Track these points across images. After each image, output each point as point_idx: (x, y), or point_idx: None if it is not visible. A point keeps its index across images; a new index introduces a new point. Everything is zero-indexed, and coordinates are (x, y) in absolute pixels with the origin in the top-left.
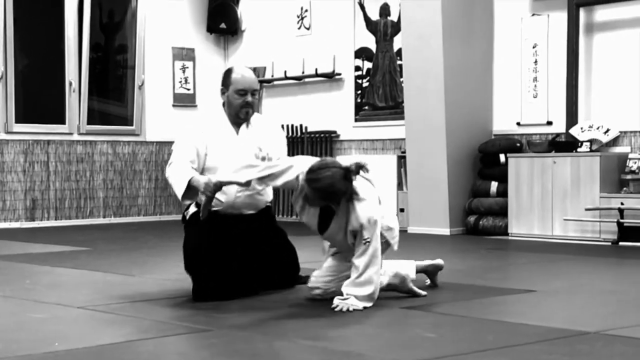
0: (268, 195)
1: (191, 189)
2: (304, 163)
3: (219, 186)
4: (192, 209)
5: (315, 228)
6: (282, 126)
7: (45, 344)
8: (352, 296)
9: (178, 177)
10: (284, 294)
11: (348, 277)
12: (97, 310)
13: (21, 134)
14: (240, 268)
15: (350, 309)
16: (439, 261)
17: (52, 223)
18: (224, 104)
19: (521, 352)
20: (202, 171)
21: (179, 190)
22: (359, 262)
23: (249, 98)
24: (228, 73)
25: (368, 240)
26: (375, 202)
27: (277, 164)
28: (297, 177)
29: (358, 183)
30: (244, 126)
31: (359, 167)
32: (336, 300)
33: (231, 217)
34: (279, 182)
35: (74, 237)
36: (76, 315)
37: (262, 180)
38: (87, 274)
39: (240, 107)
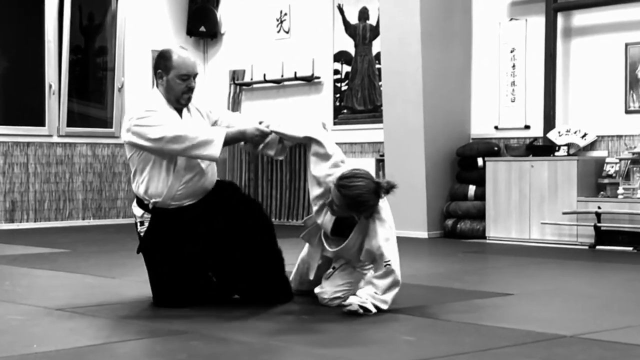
0: (210, 180)
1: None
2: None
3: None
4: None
5: (329, 232)
6: None
7: (23, 346)
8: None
9: (203, 133)
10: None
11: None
12: (76, 312)
13: (1, 136)
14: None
15: (367, 308)
16: None
17: (32, 225)
18: (157, 87)
19: (498, 356)
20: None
21: (215, 148)
22: (380, 282)
23: (192, 83)
24: (167, 56)
25: (389, 262)
26: (393, 225)
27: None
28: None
29: (382, 202)
30: (185, 110)
31: (390, 187)
32: (354, 299)
33: (173, 211)
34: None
35: (53, 239)
36: (55, 317)
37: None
38: (66, 276)
39: (182, 92)
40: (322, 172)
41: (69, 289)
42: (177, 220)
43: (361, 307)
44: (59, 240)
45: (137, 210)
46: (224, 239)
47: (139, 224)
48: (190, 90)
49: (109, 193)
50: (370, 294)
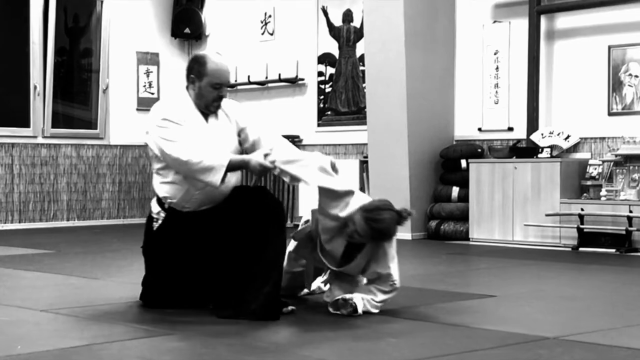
0: (228, 187)
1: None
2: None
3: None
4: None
5: (339, 257)
6: None
7: (7, 346)
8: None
9: (207, 159)
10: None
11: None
12: (60, 313)
13: None
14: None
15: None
16: None
17: (16, 226)
18: (187, 90)
19: (481, 357)
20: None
21: (217, 176)
22: (381, 296)
23: (224, 92)
24: (202, 62)
25: (395, 282)
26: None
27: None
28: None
29: None
30: (214, 116)
31: (408, 214)
32: (359, 300)
33: (187, 215)
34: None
35: (37, 240)
36: (39, 318)
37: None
38: (51, 277)
39: (213, 100)
40: (337, 211)
41: (54, 290)
42: (189, 224)
43: (353, 305)
44: (44, 241)
45: (155, 207)
46: (229, 249)
47: (153, 219)
48: (221, 98)
49: (93, 194)
50: (367, 299)
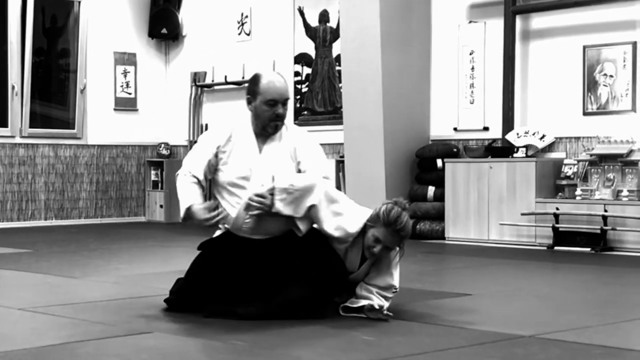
0: (283, 221)
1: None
2: (324, 189)
3: (214, 224)
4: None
5: (357, 267)
6: None
7: None
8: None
9: (181, 196)
10: None
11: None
12: (38, 312)
13: None
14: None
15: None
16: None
17: None
18: (251, 112)
19: (457, 356)
20: (213, 181)
21: (180, 212)
22: (380, 301)
23: (280, 110)
24: (255, 80)
25: (396, 290)
26: None
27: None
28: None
29: None
30: (271, 141)
31: (408, 203)
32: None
33: (246, 241)
34: (300, 209)
35: (15, 239)
36: (17, 317)
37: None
38: (28, 276)
39: (270, 119)
40: (345, 229)
41: (31, 289)
42: (242, 249)
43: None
44: (21, 240)
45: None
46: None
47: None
48: (279, 117)
49: (71, 193)
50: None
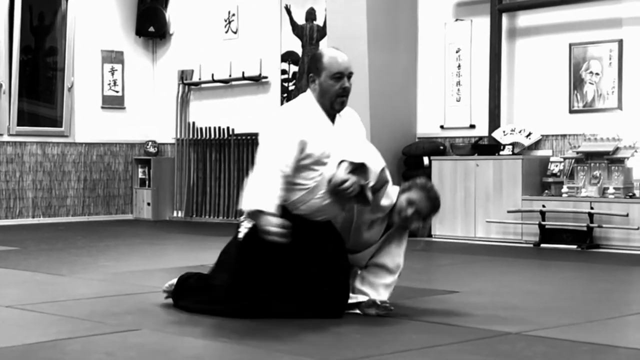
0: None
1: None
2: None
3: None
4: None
5: (377, 240)
6: (210, 128)
7: None
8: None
9: (265, 191)
10: None
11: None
12: (26, 309)
13: None
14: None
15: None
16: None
17: None
18: (311, 91)
19: (444, 353)
20: (297, 169)
21: (251, 204)
22: (379, 296)
23: (347, 83)
24: (318, 57)
25: (400, 273)
26: None
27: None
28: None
29: None
30: (339, 117)
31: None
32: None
33: (299, 219)
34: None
35: (3, 237)
36: (4, 314)
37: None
38: (16, 274)
39: (337, 95)
40: (391, 198)
41: (19, 286)
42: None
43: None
44: (9, 238)
45: None
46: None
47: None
48: (345, 91)
49: (58, 191)
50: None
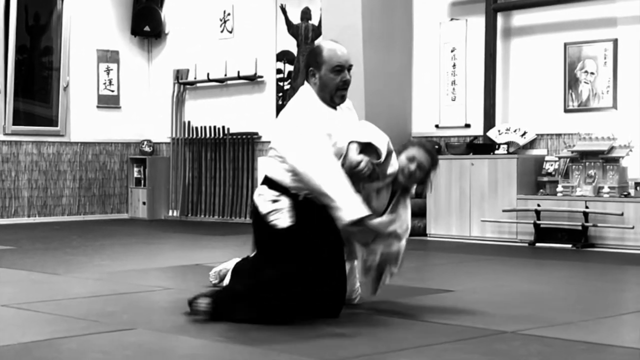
0: None
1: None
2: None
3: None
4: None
5: (384, 207)
6: (205, 127)
7: None
8: None
9: (352, 196)
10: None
11: None
12: (21, 308)
13: None
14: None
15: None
16: None
17: None
18: (310, 86)
19: (439, 352)
20: None
21: (354, 213)
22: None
23: (347, 76)
24: (318, 51)
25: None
26: None
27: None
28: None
29: None
30: (339, 109)
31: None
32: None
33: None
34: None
35: None
36: (0, 313)
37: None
38: (11, 273)
39: (337, 88)
40: (395, 167)
41: (15, 286)
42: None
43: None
44: (5, 237)
45: (267, 204)
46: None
47: (270, 214)
48: (346, 84)
49: (54, 191)
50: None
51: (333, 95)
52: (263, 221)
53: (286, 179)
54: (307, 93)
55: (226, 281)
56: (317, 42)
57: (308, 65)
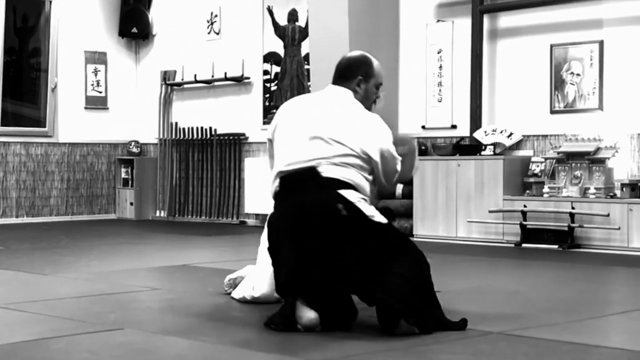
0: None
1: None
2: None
3: None
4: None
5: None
6: (192, 129)
7: None
8: None
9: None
10: (204, 295)
11: None
12: (9, 308)
13: None
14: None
15: None
16: None
17: None
18: (356, 95)
19: (425, 352)
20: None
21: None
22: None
23: (380, 93)
24: (369, 63)
25: None
26: None
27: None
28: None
29: None
30: None
31: None
32: None
33: None
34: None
35: None
36: None
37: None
38: (0, 273)
39: (373, 102)
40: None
41: (2, 286)
42: None
43: None
44: None
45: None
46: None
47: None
48: (378, 100)
49: (42, 191)
50: None
51: (369, 107)
52: (368, 221)
53: (366, 187)
54: (356, 100)
55: (243, 291)
56: (361, 52)
57: (356, 73)
